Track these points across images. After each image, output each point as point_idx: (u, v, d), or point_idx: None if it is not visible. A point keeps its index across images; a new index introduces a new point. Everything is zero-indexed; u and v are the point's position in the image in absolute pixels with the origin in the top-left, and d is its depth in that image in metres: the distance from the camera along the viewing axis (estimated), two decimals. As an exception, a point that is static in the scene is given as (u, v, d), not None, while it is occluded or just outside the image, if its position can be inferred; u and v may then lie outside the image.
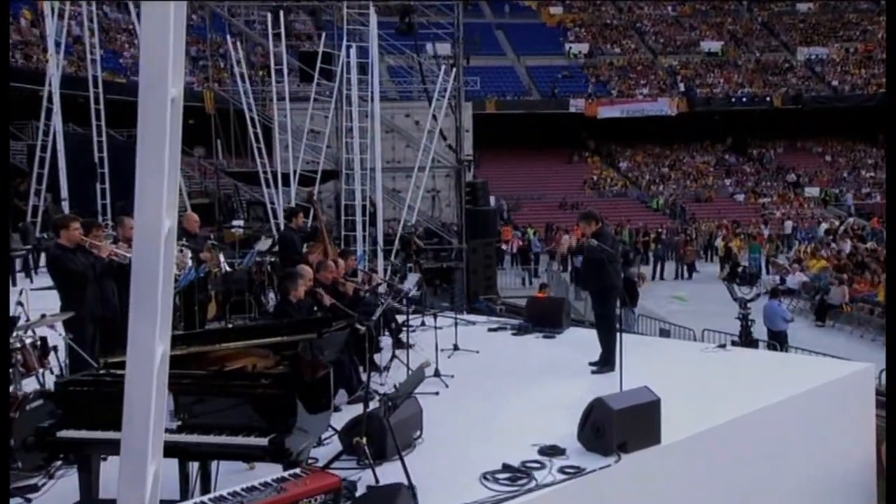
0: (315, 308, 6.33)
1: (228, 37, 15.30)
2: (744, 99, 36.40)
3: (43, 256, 12.72)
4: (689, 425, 5.24)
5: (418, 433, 5.13)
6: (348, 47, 13.15)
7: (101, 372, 4.08)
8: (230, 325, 7.15)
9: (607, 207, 33.26)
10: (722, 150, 39.40)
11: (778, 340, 11.34)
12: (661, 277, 21.76)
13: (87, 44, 16.10)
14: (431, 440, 5.07)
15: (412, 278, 8.39)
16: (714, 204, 33.86)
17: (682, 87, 37.70)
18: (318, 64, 14.58)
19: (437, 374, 6.59)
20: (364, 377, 6.09)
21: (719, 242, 23.15)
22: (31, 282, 11.22)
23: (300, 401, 3.75)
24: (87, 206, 14.56)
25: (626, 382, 5.57)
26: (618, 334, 6.35)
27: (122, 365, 4.04)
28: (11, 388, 4.64)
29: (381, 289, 8.48)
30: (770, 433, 5.73)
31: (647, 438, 4.84)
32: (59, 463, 4.41)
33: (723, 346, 8.38)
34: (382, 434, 4.52)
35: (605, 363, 6.82)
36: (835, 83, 37.04)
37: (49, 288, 9.82)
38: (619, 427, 4.68)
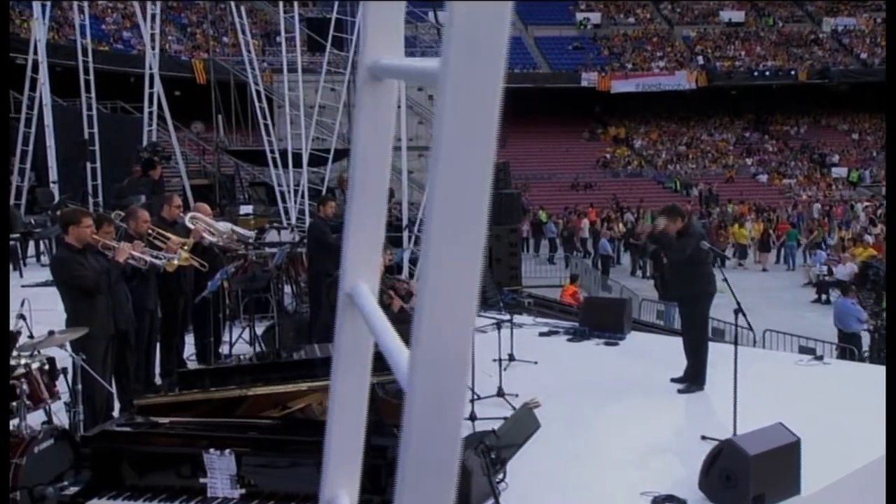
0: None
1: (233, 4, 13.82)
2: (766, 73, 34.90)
3: (32, 246, 11.51)
4: (827, 468, 4.46)
5: (501, 476, 4.33)
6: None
7: (138, 420, 3.43)
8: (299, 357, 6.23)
9: (622, 188, 32.01)
10: (741, 127, 37.97)
11: (851, 343, 10.17)
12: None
13: (76, 7, 14.61)
14: (518, 484, 4.36)
15: None
16: (735, 185, 32.53)
17: (700, 59, 36.16)
18: (331, 32, 13.15)
19: (500, 393, 5.78)
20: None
21: (750, 227, 21.85)
22: (21, 276, 9.98)
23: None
24: (78, 188, 13.29)
25: (722, 408, 4.83)
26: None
27: (157, 409, 3.37)
28: (16, 423, 3.94)
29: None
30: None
31: (785, 488, 4.20)
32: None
33: (819, 357, 7.38)
34: (465, 480, 3.81)
35: (694, 380, 6.02)
36: (864, 56, 35.49)
37: (43, 284, 8.63)
38: (756, 476, 4.04)
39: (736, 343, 4.84)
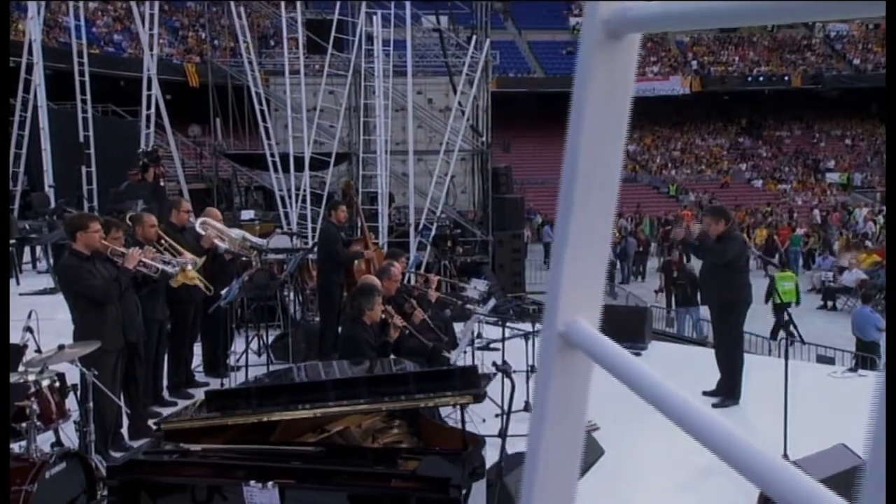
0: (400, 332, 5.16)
1: (233, 4, 13.51)
2: (760, 78, 34.98)
3: (28, 252, 11.12)
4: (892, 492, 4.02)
5: None
6: (371, 15, 11.49)
7: (167, 448, 3.11)
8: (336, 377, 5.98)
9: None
10: (735, 132, 38.04)
11: (870, 352, 9.98)
12: (693, 271, 20.42)
13: (71, 9, 14.26)
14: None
15: (478, 284, 6.97)
16: (730, 190, 32.53)
17: (694, 64, 36.17)
18: (333, 34, 12.87)
19: (527, 408, 5.54)
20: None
21: (757, 233, 21.82)
22: (18, 283, 9.61)
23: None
24: (73, 192, 12.91)
25: (764, 424, 4.61)
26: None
27: (186, 434, 3.05)
28: (24, 445, 3.69)
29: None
30: None
31: (851, 517, 3.83)
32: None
33: (853, 369, 7.20)
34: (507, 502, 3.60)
35: (729, 394, 5.80)
36: (856, 62, 35.67)
37: (41, 293, 8.29)
38: None
39: (787, 357, 4.57)
